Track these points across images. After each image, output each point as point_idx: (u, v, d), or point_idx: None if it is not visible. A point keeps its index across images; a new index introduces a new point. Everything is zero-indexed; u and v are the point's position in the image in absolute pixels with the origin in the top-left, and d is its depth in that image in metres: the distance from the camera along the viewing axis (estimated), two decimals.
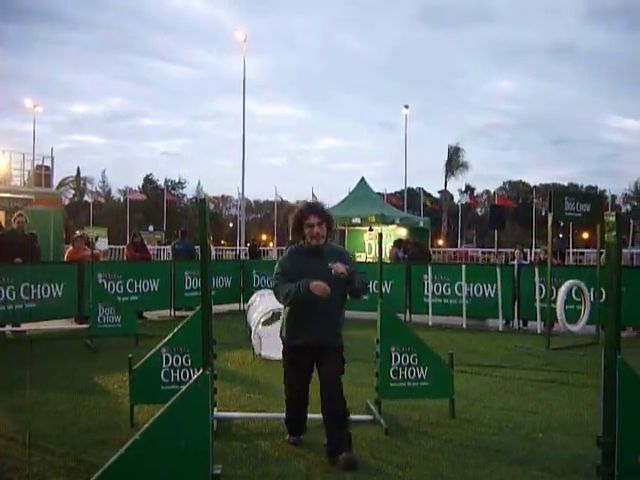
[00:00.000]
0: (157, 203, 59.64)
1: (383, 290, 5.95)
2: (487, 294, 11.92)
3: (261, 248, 30.63)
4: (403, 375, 5.49)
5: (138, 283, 12.24)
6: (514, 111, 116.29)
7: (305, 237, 4.48)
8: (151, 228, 49.06)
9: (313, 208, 4.58)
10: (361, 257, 20.75)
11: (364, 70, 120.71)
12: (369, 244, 21.81)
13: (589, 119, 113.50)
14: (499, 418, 5.54)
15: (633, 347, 8.61)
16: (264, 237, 56.41)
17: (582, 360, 8.40)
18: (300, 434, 4.82)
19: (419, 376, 5.52)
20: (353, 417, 5.20)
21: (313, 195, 42.00)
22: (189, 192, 74.51)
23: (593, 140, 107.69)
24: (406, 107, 53.36)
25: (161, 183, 71.83)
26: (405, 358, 5.49)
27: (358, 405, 5.57)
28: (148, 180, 74.51)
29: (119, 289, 11.74)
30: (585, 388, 6.74)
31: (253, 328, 8.70)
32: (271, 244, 44.89)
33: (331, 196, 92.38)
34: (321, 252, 4.46)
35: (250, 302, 10.72)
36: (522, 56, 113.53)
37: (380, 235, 6.10)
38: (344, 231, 23.66)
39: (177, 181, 74.60)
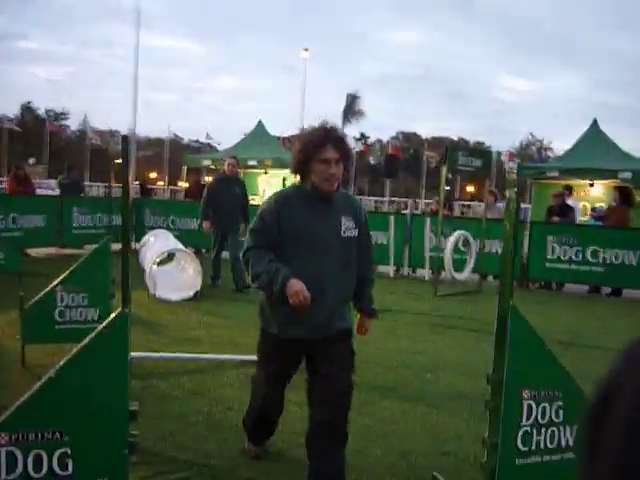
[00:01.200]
0: (38, 134, 56.13)
1: None
2: (380, 241, 12.32)
3: (151, 187, 29.78)
4: None
5: (21, 218, 11.64)
6: (412, 62, 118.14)
7: (310, 177, 3.06)
8: (32, 161, 46.32)
9: (331, 136, 3.06)
10: (255, 200, 20.74)
11: (265, 10, 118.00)
12: (264, 189, 21.78)
13: (483, 76, 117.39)
14: (391, 358, 5.85)
15: (515, 295, 9.26)
16: (153, 175, 54.76)
17: (466, 306, 8.96)
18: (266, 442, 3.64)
19: None
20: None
21: (208, 135, 41.12)
22: (73, 124, 70.57)
23: (484, 97, 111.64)
24: (305, 50, 52.86)
25: (42, 112, 67.50)
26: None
27: None
28: (26, 109, 69.67)
29: (0, 224, 11.13)
30: (469, 332, 7.22)
31: (147, 269, 8.56)
32: (161, 182, 43.69)
33: (227, 137, 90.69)
34: (331, 203, 3.12)
35: (143, 242, 10.51)
36: (424, 8, 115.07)
37: (284, 180, 6.15)
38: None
39: (60, 112, 70.33)
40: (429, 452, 3.70)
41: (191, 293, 8.34)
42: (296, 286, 2.89)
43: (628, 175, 13.86)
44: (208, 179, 21.65)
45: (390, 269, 12.09)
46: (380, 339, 6.64)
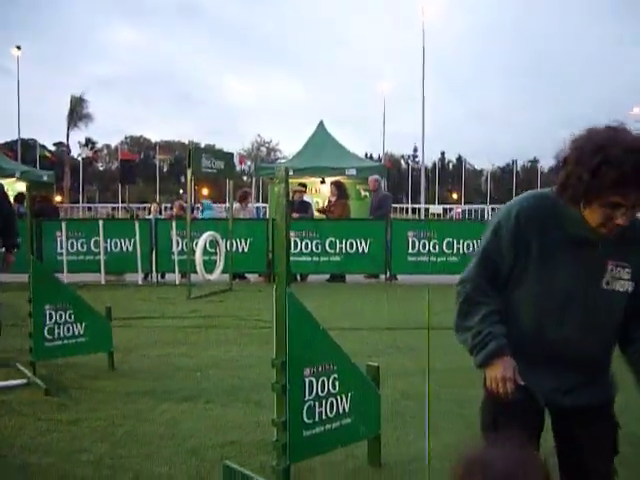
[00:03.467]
0: None
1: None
2: (125, 248, 11.99)
3: None
4: (59, 333, 5.34)
5: None
6: (139, 65, 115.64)
7: (584, 208, 2.01)
8: None
9: None
10: None
11: None
12: None
13: (210, 80, 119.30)
14: (157, 364, 5.80)
15: (264, 289, 9.77)
16: None
17: (221, 305, 9.18)
18: None
19: (76, 332, 5.42)
20: (6, 383, 4.96)
21: None
22: None
23: (212, 100, 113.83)
24: (18, 48, 48.72)
25: None
26: (61, 315, 5.34)
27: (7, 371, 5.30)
28: None
29: None
30: (228, 329, 7.42)
31: None
32: None
33: None
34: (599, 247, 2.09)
35: None
36: (150, 13, 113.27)
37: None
38: None
39: None
40: (216, 445, 3.80)
41: None
42: (502, 371, 2.08)
43: (354, 171, 15.35)
44: None
45: (138, 276, 11.83)
46: (143, 347, 6.54)
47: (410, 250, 11.65)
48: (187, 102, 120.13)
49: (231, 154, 11.15)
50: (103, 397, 4.83)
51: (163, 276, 12.48)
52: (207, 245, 11.02)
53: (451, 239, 11.62)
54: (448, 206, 51.13)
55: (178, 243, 11.71)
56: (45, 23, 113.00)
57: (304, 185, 14.12)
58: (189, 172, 9.68)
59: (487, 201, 56.83)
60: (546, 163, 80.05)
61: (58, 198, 49.33)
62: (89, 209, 50.77)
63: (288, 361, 3.00)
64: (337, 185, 13.04)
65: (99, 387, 5.10)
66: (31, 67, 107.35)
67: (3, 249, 5.41)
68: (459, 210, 41.54)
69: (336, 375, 3.20)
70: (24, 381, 5.13)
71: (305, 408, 3.06)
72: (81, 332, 5.45)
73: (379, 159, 57.89)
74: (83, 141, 74.74)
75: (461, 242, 11.60)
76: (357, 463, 3.52)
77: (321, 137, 17.34)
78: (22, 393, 4.91)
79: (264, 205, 18.20)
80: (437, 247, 11.62)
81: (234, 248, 11.38)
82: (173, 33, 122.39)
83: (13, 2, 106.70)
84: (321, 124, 17.73)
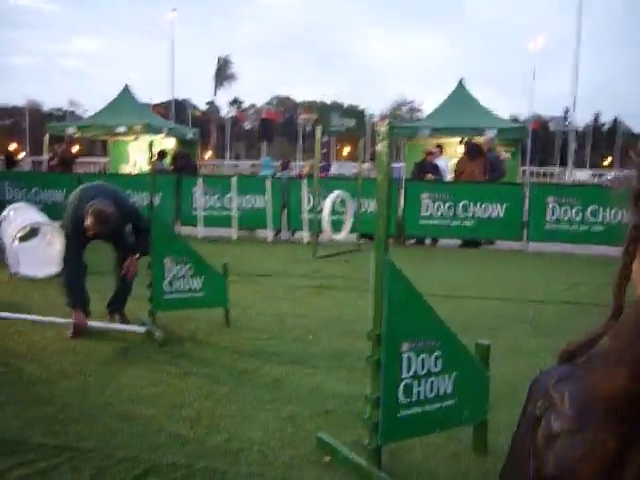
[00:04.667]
0: None
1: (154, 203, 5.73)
2: (257, 206, 12.18)
3: (17, 159, 27.80)
4: (178, 286, 5.44)
5: None
6: (284, 25, 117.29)
7: None
8: None
9: None
10: (125, 169, 19.87)
11: None
12: (135, 155, 20.87)
13: (354, 40, 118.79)
14: (272, 323, 5.78)
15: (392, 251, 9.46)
16: (13, 146, 51.13)
17: (345, 266, 9.05)
18: None
19: (194, 287, 5.50)
20: (127, 327, 5.15)
21: (71, 102, 38.89)
22: None
23: (356, 60, 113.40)
24: (174, 11, 50.91)
25: None
26: (179, 269, 5.43)
27: (132, 319, 5.49)
28: None
29: None
30: (347, 291, 7.27)
31: (7, 245, 7.93)
32: (23, 153, 40.86)
33: (92, 104, 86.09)
34: None
35: (1, 217, 9.72)
36: None
37: (151, 144, 5.80)
38: (106, 141, 22.38)
39: None
40: (314, 413, 3.67)
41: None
42: None
43: (493, 132, 14.51)
44: (76, 148, 20.46)
45: (269, 233, 12.00)
46: (260, 304, 6.55)
47: (549, 217, 10.85)
48: (332, 62, 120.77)
49: (362, 112, 10.86)
50: (213, 353, 4.86)
51: (294, 233, 12.58)
52: (336, 204, 10.91)
53: (596, 206, 10.67)
54: (598, 171, 47.64)
55: (309, 201, 11.69)
56: None
57: (440, 146, 13.56)
58: (318, 130, 9.56)
59: None
60: None
61: (208, 154, 51.70)
62: (235, 166, 52.63)
63: (385, 334, 2.77)
64: (467, 144, 12.36)
65: (212, 342, 5.15)
66: (183, 29, 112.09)
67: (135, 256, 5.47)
68: (611, 176, 38.47)
69: (439, 352, 2.92)
70: (143, 329, 5.29)
71: (401, 386, 2.83)
72: (199, 286, 5.52)
73: (525, 121, 54.91)
74: (231, 100, 77.62)
75: (607, 210, 10.62)
76: (460, 447, 3.24)
77: (460, 96, 16.56)
78: (140, 342, 5.07)
79: (399, 165, 17.76)
80: (580, 215, 10.73)
81: (362, 208, 11.18)
82: None
83: None
84: (460, 83, 16.93)
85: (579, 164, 54.93)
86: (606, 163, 66.86)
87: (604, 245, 10.50)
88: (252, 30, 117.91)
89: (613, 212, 10.58)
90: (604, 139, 76.13)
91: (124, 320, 5.53)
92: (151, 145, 5.60)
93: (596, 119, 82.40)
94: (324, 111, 9.63)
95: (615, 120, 76.87)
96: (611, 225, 10.55)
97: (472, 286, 7.72)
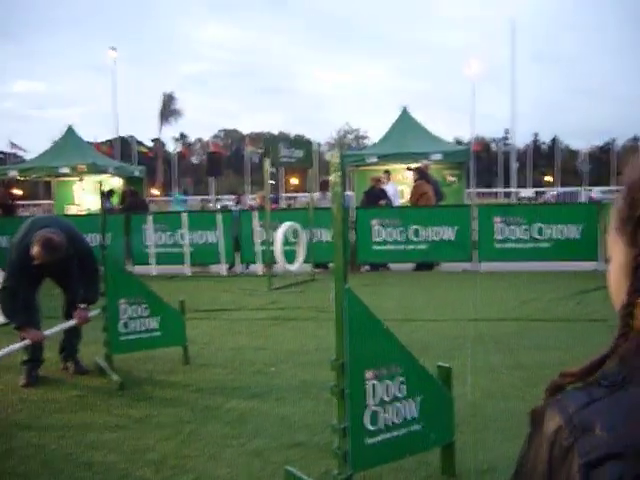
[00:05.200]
0: None
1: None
2: (209, 240, 12.10)
3: None
4: (134, 327, 5.35)
5: None
6: (228, 60, 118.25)
7: None
8: None
9: None
10: (70, 210, 19.50)
11: (67, 8, 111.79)
12: (80, 196, 20.54)
13: (298, 71, 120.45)
14: (232, 358, 5.72)
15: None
16: None
17: (301, 296, 9.05)
18: None
19: (151, 327, 5.42)
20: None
21: (12, 144, 38.11)
22: None
23: (300, 90, 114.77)
24: (113, 49, 50.67)
25: None
26: (135, 310, 5.34)
27: (88, 363, 5.37)
28: None
29: None
30: (305, 322, 7.28)
31: None
32: None
33: (35, 146, 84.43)
34: None
35: None
36: (236, 7, 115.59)
37: (100, 183, 5.74)
38: (50, 182, 21.98)
39: None
40: (281, 446, 3.64)
41: None
42: None
43: (439, 156, 14.84)
44: (18, 192, 19.98)
45: (222, 268, 11.92)
46: (218, 339, 6.49)
47: (498, 236, 11.11)
48: (276, 94, 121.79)
49: (310, 142, 10.95)
50: (174, 392, 4.78)
51: (248, 267, 12.53)
52: (289, 235, 10.93)
53: (542, 225, 10.98)
54: (541, 189, 49.04)
55: (260, 233, 11.69)
56: (136, 25, 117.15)
57: (388, 172, 13.79)
58: (266, 162, 9.60)
59: (584, 183, 54.33)
60: None
61: (155, 192, 51.12)
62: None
63: (348, 363, 2.78)
64: (415, 170, 12.64)
65: (172, 381, 5.07)
66: (126, 67, 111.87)
67: (82, 305, 5.31)
68: (553, 193, 39.62)
69: (402, 378, 2.95)
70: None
71: (368, 414, 2.83)
72: (155, 326, 5.44)
73: (468, 143, 56.33)
74: (177, 136, 77.33)
75: (552, 227, 10.95)
76: (430, 471, 3.26)
77: (405, 123, 16.89)
78: (98, 387, 4.96)
79: (350, 194, 17.94)
80: (527, 233, 11.02)
81: (315, 238, 11.23)
82: (257, 26, 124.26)
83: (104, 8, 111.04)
84: (404, 110, 17.29)
85: (522, 183, 56.47)
86: (548, 180, 68.91)
87: (551, 261, 10.82)
88: (194, 65, 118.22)
89: (558, 228, 10.92)
90: (544, 157, 78.57)
91: (79, 367, 5.39)
92: (100, 184, 5.54)
93: (535, 138, 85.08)
94: (272, 143, 9.66)
95: (554, 139, 79.52)
96: (556, 241, 10.88)
97: (428, 308, 7.81)
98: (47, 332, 5.12)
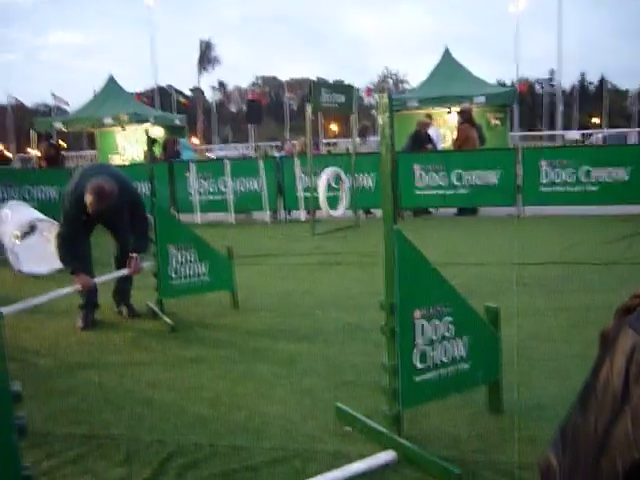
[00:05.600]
0: None
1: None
2: (252, 188, 12.19)
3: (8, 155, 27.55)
4: (184, 272, 5.49)
5: None
6: (265, 5, 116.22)
7: None
8: None
9: None
10: (114, 160, 19.80)
11: None
12: (123, 145, 20.82)
13: (335, 15, 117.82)
14: (278, 302, 5.84)
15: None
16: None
17: (344, 242, 9.11)
18: None
19: (200, 272, 5.55)
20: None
21: (55, 96, 38.52)
22: None
23: (338, 36, 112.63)
24: None
25: None
26: (184, 255, 5.47)
27: (140, 307, 5.56)
28: None
29: None
30: (349, 266, 7.35)
31: (8, 244, 7.95)
32: (8, 153, 40.49)
33: (76, 97, 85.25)
34: None
35: None
36: None
37: (147, 132, 5.81)
38: (93, 133, 22.28)
39: None
40: (330, 385, 3.74)
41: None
42: None
43: (482, 99, 14.52)
44: (62, 143, 20.33)
45: (266, 215, 12.04)
46: (265, 284, 6.62)
47: (543, 180, 10.90)
48: (314, 40, 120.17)
49: (352, 87, 10.79)
50: (224, 335, 4.93)
51: (290, 213, 12.62)
52: (331, 181, 10.94)
53: (589, 167, 10.73)
54: (587, 131, 47.62)
55: (303, 180, 11.73)
56: None
57: (430, 116, 13.58)
58: (309, 107, 9.54)
59: (633, 124, 52.52)
60: None
61: (195, 140, 51.37)
62: (221, 150, 52.48)
63: (398, 303, 2.83)
64: (461, 112, 12.41)
65: (222, 325, 5.21)
66: (163, 15, 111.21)
67: (134, 254, 5.36)
68: (599, 136, 38.43)
69: (450, 318, 2.98)
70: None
71: (417, 352, 2.89)
72: (204, 271, 5.57)
73: (512, 85, 54.72)
74: (216, 84, 77.06)
75: (600, 170, 10.69)
76: (476, 409, 3.32)
77: (447, 65, 16.53)
78: (151, 329, 5.14)
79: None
80: (573, 176, 10.79)
81: (357, 183, 11.22)
82: None
83: None
84: (447, 52, 16.88)
85: (567, 125, 54.89)
86: (594, 122, 66.78)
87: (598, 205, 10.61)
88: (229, 11, 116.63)
89: (606, 171, 10.66)
90: (591, 99, 75.92)
91: (132, 311, 5.58)
92: (147, 132, 5.61)
93: (582, 79, 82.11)
94: (314, 88, 9.58)
95: (601, 79, 76.63)
96: (604, 184, 10.64)
97: (471, 253, 7.79)
98: (98, 279, 5.30)
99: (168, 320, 5.17)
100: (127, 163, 17.84)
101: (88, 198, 4.86)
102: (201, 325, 5.22)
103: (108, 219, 5.31)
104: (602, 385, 0.72)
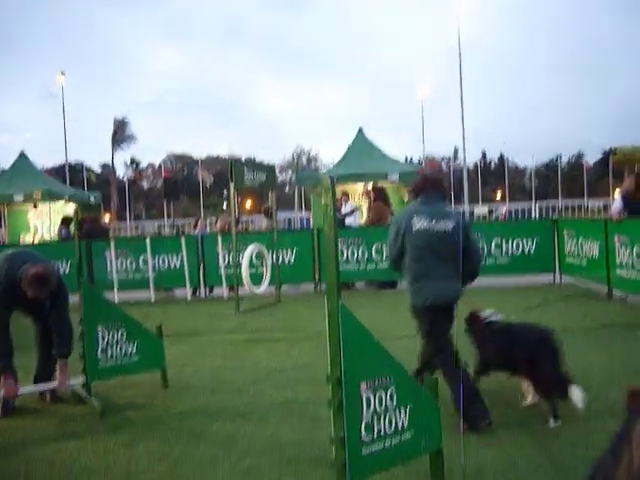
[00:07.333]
0: None
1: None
2: (173, 265, 12.07)
3: None
4: (112, 353, 5.35)
5: None
6: (180, 85, 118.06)
7: None
8: None
9: None
10: (26, 239, 19.12)
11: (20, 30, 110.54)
12: (34, 224, 20.18)
13: (249, 95, 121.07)
14: (210, 379, 5.77)
15: (313, 299, 9.69)
16: None
17: (270, 318, 9.13)
18: None
19: (129, 351, 5.43)
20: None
21: None
22: None
23: (252, 115, 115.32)
24: (62, 74, 49.79)
25: None
26: (113, 335, 5.35)
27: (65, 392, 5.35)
28: None
29: None
30: (278, 342, 7.36)
31: None
32: None
33: None
34: None
35: None
36: (193, 35, 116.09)
37: (76, 212, 5.73)
38: (2, 211, 21.53)
39: None
40: (273, 463, 3.72)
41: None
42: None
43: (396, 177, 15.19)
44: None
45: (187, 292, 11.89)
46: (194, 362, 6.53)
47: None
48: (228, 118, 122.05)
49: (272, 166, 11.10)
50: (157, 416, 4.81)
51: (211, 290, 12.52)
52: (253, 258, 11.01)
53: (499, 239, 11.37)
54: (494, 204, 50.30)
55: (225, 257, 11.74)
56: (88, 49, 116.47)
57: (346, 193, 14.06)
58: (232, 185, 9.68)
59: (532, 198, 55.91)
60: (592, 157, 78.43)
61: (107, 218, 50.37)
62: (136, 227, 51.69)
63: (344, 376, 2.91)
64: (374, 189, 12.97)
65: (153, 405, 5.09)
66: (76, 93, 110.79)
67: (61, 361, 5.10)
68: (504, 210, 40.65)
69: (393, 388, 3.08)
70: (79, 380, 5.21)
71: (363, 424, 2.96)
72: (134, 351, 5.46)
73: (419, 162, 57.42)
74: (128, 161, 76.52)
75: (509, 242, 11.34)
76: (419, 478, 3.39)
77: (361, 144, 17.25)
78: (78, 414, 4.94)
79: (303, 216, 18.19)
80: (484, 249, 11.37)
81: (280, 260, 11.35)
82: (213, 53, 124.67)
83: (59, 28, 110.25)
84: (360, 131, 17.65)
85: (472, 200, 57.71)
86: (496, 197, 70.66)
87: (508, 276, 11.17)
88: (145, 91, 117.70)
89: (514, 244, 11.31)
90: (492, 175, 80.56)
91: (55, 395, 5.35)
92: (76, 212, 5.55)
93: (484, 157, 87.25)
94: (235, 167, 9.76)
95: (501, 157, 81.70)
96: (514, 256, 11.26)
97: (397, 324, 7.97)
98: (22, 390, 5.07)
99: (96, 404, 4.99)
100: (37, 242, 17.25)
101: (30, 286, 4.72)
102: (132, 407, 5.07)
103: (31, 304, 5.11)
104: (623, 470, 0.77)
